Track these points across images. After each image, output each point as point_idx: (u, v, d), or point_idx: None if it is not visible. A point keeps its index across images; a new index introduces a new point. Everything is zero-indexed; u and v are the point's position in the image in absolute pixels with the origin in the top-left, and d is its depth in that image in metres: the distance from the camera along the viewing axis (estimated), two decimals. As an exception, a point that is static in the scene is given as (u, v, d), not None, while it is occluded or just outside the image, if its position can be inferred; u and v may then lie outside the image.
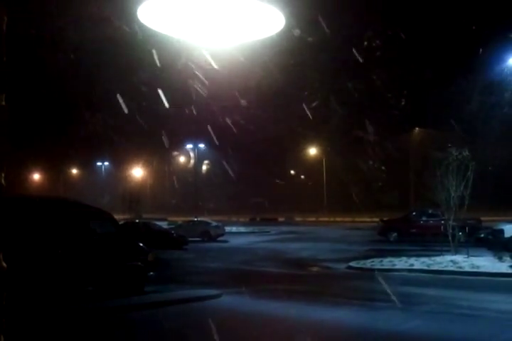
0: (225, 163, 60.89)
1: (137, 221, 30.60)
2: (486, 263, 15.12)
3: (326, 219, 53.51)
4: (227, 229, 32.79)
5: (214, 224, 31.36)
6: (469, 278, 13.91)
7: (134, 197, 50.83)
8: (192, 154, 61.88)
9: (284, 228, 40.10)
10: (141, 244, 12.69)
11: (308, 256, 21.01)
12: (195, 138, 58.73)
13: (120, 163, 74.14)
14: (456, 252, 16.60)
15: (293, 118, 48.56)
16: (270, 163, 60.57)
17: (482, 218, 25.60)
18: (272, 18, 3.92)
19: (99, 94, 37.71)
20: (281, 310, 10.16)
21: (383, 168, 53.40)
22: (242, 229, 38.20)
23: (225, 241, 28.95)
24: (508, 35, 23.80)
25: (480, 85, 39.46)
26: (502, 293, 11.87)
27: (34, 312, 8.95)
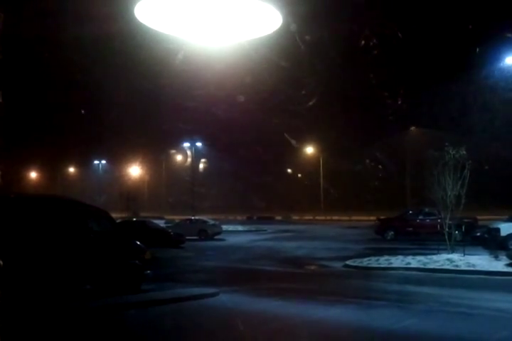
0: (222, 161, 60.89)
1: (134, 219, 30.58)
2: (482, 261, 15.17)
3: (322, 217, 53.61)
4: (225, 227, 32.84)
5: (211, 222, 31.39)
6: (465, 277, 13.96)
7: (131, 196, 50.79)
8: (189, 152, 61.81)
9: (281, 226, 40.14)
10: (138, 243, 12.70)
11: (305, 254, 21.05)
12: (192, 137, 58.69)
13: (117, 161, 74.02)
14: (453, 251, 16.65)
15: (290, 117, 48.56)
16: (267, 162, 60.56)
17: (478, 217, 25.68)
18: (270, 17, 3.93)
19: (96, 92, 37.64)
20: (278, 308, 10.17)
21: (380, 166, 53.45)
22: (239, 227, 38.25)
23: (222, 240, 28.97)
24: (505, 35, 23.83)
25: (476, 84, 39.51)
26: (498, 292, 11.91)
27: (31, 310, 8.95)
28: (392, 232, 25.97)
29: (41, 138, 58.27)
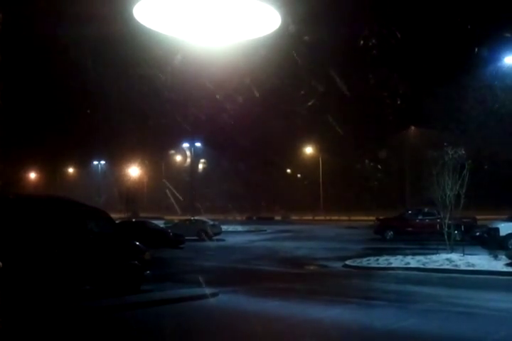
0: (221, 161, 60.86)
1: (134, 220, 30.57)
2: (481, 261, 15.17)
3: (322, 217, 53.62)
4: (224, 227, 32.82)
5: (211, 222, 31.38)
6: (465, 277, 13.97)
7: (130, 196, 50.78)
8: (188, 153, 61.79)
9: (281, 227, 40.14)
10: (137, 243, 12.69)
11: (304, 254, 21.05)
12: (191, 137, 58.70)
13: (116, 162, 73.99)
14: (452, 250, 16.66)
15: (289, 118, 48.60)
16: (267, 162, 60.59)
17: (478, 216, 25.69)
18: (269, 17, 3.94)
19: (96, 92, 37.65)
20: (277, 308, 10.18)
21: (379, 166, 53.46)
22: (238, 227, 38.24)
23: (222, 240, 28.96)
24: (503, 35, 23.86)
25: (475, 84, 39.54)
26: (497, 291, 11.92)
27: (31, 310, 8.95)
28: (391, 232, 25.99)
29: (41, 139, 58.29)
